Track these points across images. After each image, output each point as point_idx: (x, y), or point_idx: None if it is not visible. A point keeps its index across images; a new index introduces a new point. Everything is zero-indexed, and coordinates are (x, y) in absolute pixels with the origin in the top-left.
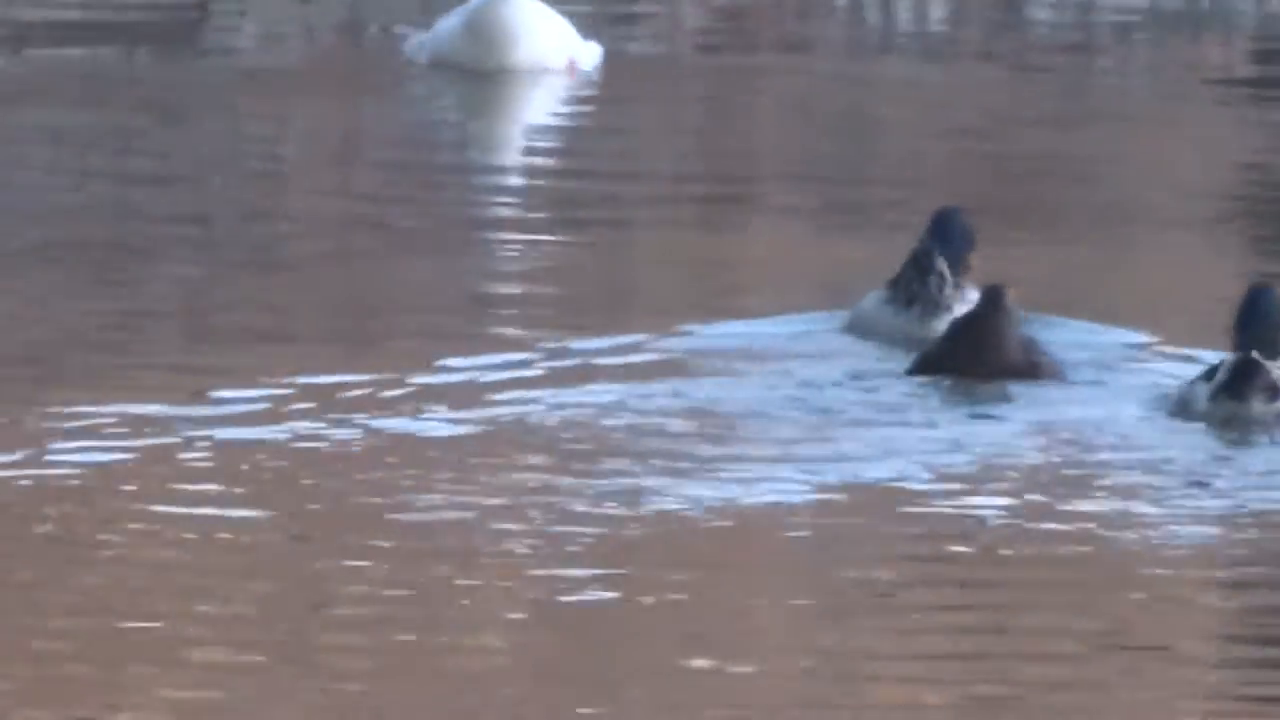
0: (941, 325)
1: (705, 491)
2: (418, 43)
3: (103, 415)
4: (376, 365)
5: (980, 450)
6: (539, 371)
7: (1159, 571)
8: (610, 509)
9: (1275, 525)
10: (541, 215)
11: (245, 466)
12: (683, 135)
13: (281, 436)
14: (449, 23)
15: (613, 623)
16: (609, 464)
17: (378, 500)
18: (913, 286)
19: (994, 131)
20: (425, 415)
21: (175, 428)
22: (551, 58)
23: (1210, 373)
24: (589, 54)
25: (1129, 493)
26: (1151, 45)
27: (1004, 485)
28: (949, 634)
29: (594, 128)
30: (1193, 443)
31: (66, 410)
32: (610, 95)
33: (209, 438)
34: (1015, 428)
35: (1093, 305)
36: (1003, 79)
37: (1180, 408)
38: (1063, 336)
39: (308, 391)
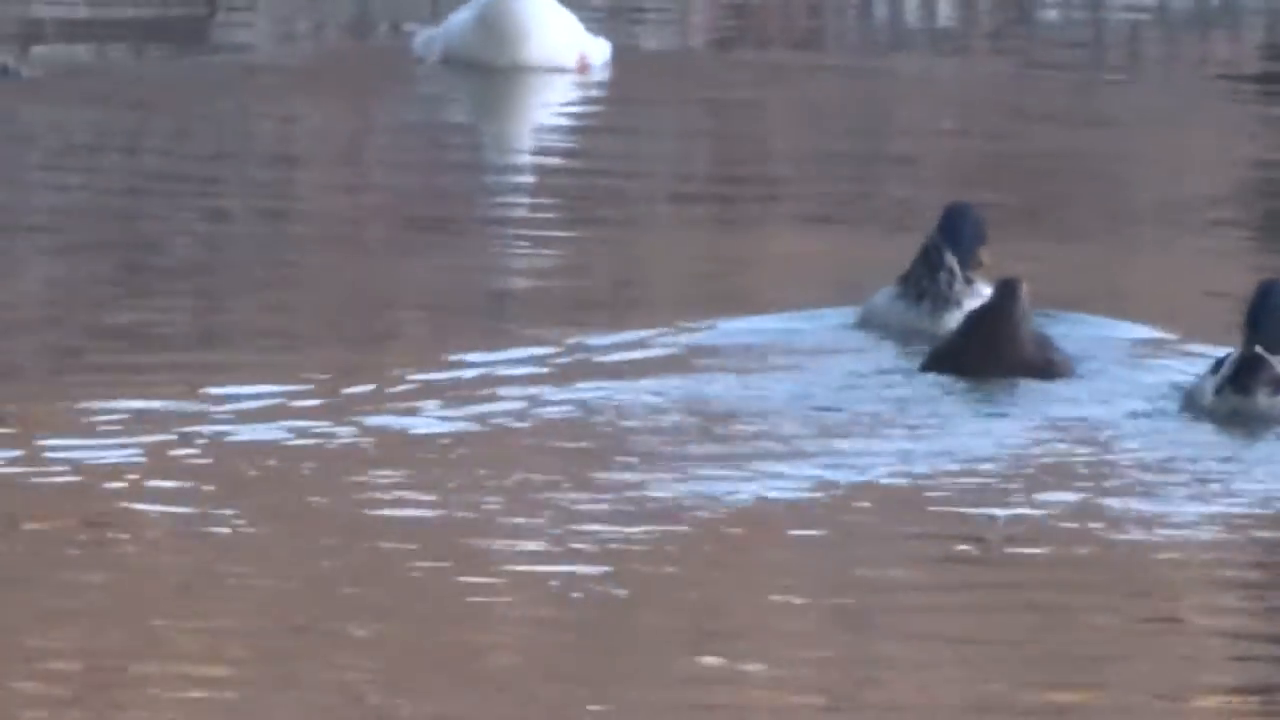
0: (952, 320)
1: (716, 489)
2: (428, 38)
3: (110, 412)
4: (385, 361)
5: (992, 448)
6: (549, 368)
7: (1173, 571)
8: (620, 506)
9: None
10: (551, 212)
11: (247, 464)
12: (693, 132)
13: (286, 434)
14: (460, 17)
15: (622, 621)
16: (619, 461)
17: (382, 498)
18: (923, 282)
19: (1004, 128)
20: (433, 412)
21: (181, 424)
22: (563, 54)
23: (1217, 366)
24: (598, 51)
25: (1142, 490)
26: (1161, 42)
27: (1016, 483)
28: (961, 633)
29: (604, 125)
30: (1204, 439)
31: (68, 408)
32: (621, 92)
33: (216, 435)
34: (1027, 425)
35: (1104, 301)
36: (1013, 76)
37: (1187, 402)
38: (1074, 332)
39: (315, 389)
